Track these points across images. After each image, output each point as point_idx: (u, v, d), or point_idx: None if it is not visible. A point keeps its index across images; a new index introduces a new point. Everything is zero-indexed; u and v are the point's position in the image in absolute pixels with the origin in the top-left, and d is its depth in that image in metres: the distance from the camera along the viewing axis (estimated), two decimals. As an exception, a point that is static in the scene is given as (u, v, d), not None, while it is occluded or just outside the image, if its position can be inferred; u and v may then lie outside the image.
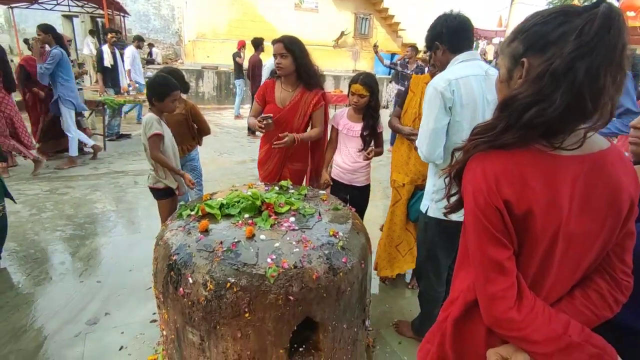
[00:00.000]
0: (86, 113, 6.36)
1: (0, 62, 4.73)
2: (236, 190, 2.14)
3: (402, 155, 2.65)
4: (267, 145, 2.80)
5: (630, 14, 8.80)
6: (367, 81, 2.60)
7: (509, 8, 14.84)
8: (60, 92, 5.02)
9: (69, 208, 4.10)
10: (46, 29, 4.87)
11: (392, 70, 7.60)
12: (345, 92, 9.09)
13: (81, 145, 5.61)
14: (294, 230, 1.77)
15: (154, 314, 2.49)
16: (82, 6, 13.05)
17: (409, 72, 6.86)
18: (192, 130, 3.32)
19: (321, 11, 13.89)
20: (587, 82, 0.78)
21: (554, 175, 0.85)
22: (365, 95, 2.61)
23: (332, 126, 2.85)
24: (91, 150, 5.80)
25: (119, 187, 4.80)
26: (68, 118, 5.18)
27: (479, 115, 1.82)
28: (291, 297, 1.47)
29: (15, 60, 8.58)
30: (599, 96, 0.80)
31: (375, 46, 7.88)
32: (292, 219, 1.87)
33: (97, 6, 12.19)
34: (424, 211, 2.08)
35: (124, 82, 7.52)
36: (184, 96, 3.35)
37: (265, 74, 7.42)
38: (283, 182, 2.35)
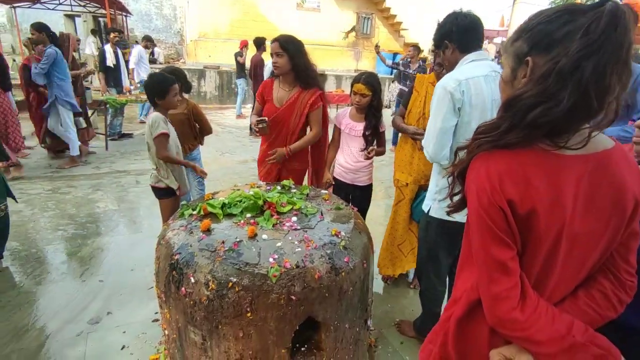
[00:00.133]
0: (88, 112, 6.36)
1: None
2: (238, 189, 2.14)
3: (406, 155, 2.64)
4: (266, 144, 2.82)
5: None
6: (370, 80, 2.59)
7: (512, 7, 14.82)
8: (57, 93, 4.96)
9: (70, 207, 4.11)
10: (40, 28, 4.83)
11: (395, 70, 7.59)
12: (347, 91, 9.07)
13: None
14: (296, 229, 1.77)
15: (156, 313, 2.49)
16: (84, 6, 13.07)
17: (411, 71, 6.86)
18: (194, 130, 3.33)
19: (323, 11, 13.89)
20: (594, 81, 0.77)
21: (558, 175, 0.84)
22: (368, 95, 2.60)
23: (335, 126, 2.85)
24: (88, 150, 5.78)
25: (121, 187, 4.81)
26: (66, 118, 5.14)
27: (488, 116, 1.78)
28: (293, 297, 1.47)
29: (17, 60, 8.61)
30: (605, 95, 0.79)
31: (377, 46, 7.87)
32: (294, 218, 1.87)
33: (99, 6, 12.20)
34: (426, 210, 2.07)
35: (126, 81, 7.53)
36: (186, 96, 3.36)
37: (267, 74, 7.43)
38: (285, 182, 2.35)
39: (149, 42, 8.48)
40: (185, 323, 1.59)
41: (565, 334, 0.85)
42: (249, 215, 1.88)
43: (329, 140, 2.96)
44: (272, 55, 2.59)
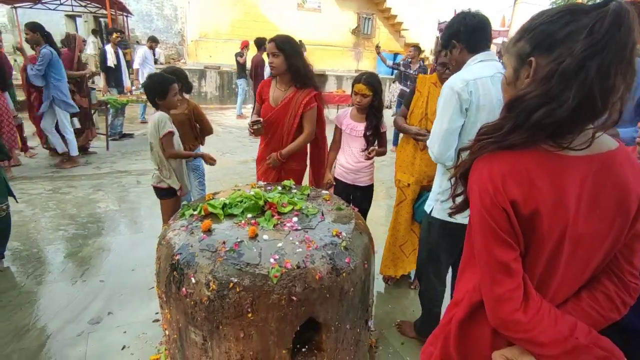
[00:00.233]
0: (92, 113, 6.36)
1: None
2: (239, 190, 2.14)
3: (408, 156, 2.63)
4: (263, 143, 2.85)
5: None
6: (370, 81, 2.59)
7: (512, 7, 14.82)
8: (54, 93, 4.93)
9: (71, 207, 4.11)
10: (34, 28, 4.80)
11: (396, 71, 7.59)
12: (348, 92, 9.03)
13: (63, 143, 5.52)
14: (296, 230, 1.77)
15: (157, 313, 2.48)
16: (85, 6, 13.09)
17: (411, 72, 6.86)
18: (195, 130, 3.32)
19: (324, 11, 13.88)
20: (598, 81, 0.77)
21: (562, 176, 0.84)
22: (369, 95, 2.60)
23: (336, 126, 2.85)
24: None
25: (122, 187, 4.81)
26: (63, 119, 5.12)
27: (496, 118, 1.77)
28: (294, 298, 1.47)
29: (19, 60, 8.60)
30: (609, 95, 0.79)
31: (377, 47, 7.87)
32: (295, 219, 1.87)
33: (100, 6, 12.22)
34: (428, 211, 2.06)
35: (127, 82, 7.53)
36: (186, 96, 3.36)
37: (267, 74, 7.43)
38: (286, 182, 2.34)
39: (153, 42, 8.47)
40: (186, 323, 1.59)
41: (568, 336, 0.84)
42: (249, 215, 1.87)
43: (328, 141, 2.96)
44: (268, 55, 2.61)
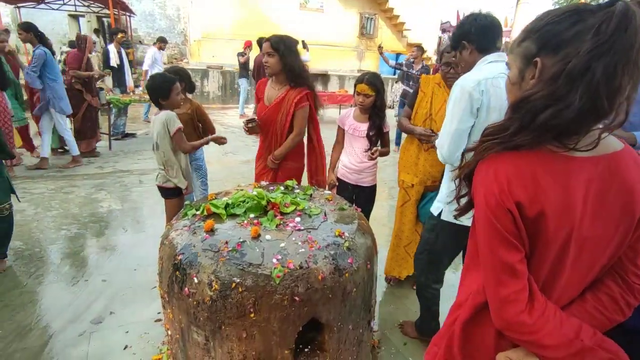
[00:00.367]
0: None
1: None
2: (241, 189, 2.14)
3: (411, 156, 2.62)
4: (260, 141, 2.92)
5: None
6: (373, 81, 2.59)
7: (515, 8, 14.77)
8: (49, 94, 4.90)
9: (74, 207, 4.11)
10: (28, 28, 4.77)
11: (398, 71, 7.59)
12: (350, 92, 9.02)
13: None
14: (299, 230, 1.76)
15: (159, 313, 2.48)
16: (88, 6, 13.13)
17: (414, 72, 6.85)
18: (198, 130, 3.33)
19: (326, 11, 13.88)
20: (604, 82, 0.76)
21: (568, 177, 0.83)
22: (371, 95, 2.59)
23: (338, 126, 2.85)
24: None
25: (124, 186, 4.81)
26: (59, 120, 5.09)
27: None
28: (297, 298, 1.46)
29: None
30: (616, 96, 0.78)
31: (380, 47, 7.87)
32: (298, 219, 1.86)
33: (103, 6, 12.25)
34: (435, 214, 2.01)
35: (130, 81, 7.54)
36: (189, 96, 3.36)
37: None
38: (288, 182, 2.34)
39: (162, 43, 8.47)
40: (188, 323, 1.59)
41: (574, 338, 0.84)
42: (252, 215, 1.87)
43: (322, 140, 2.97)
44: (263, 55, 2.63)
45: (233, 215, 1.88)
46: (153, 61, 7.93)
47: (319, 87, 12.60)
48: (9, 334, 2.31)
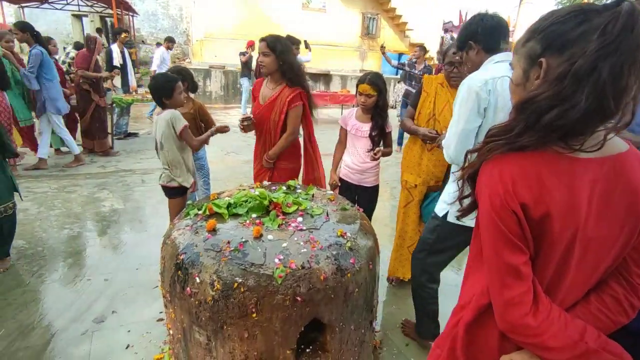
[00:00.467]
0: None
1: None
2: (244, 189, 2.14)
3: (415, 156, 2.62)
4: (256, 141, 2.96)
5: None
6: (375, 81, 2.58)
7: (518, 8, 14.75)
8: (45, 94, 4.88)
9: (76, 206, 4.12)
10: (24, 27, 4.76)
11: (401, 71, 7.58)
12: (353, 92, 9.00)
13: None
14: (301, 230, 1.76)
15: (161, 312, 2.49)
16: (91, 6, 13.17)
17: (417, 72, 6.85)
18: (200, 130, 3.33)
19: (329, 11, 13.89)
20: (611, 82, 0.76)
21: (573, 178, 0.83)
22: (373, 95, 2.59)
23: (341, 127, 2.84)
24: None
25: (127, 186, 4.82)
26: (54, 120, 5.07)
27: None
28: (299, 298, 1.46)
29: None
30: (622, 96, 0.78)
31: (382, 47, 7.86)
32: (300, 219, 1.86)
33: (106, 6, 12.29)
34: (441, 215, 1.98)
35: (132, 81, 7.55)
36: (192, 95, 3.36)
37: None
38: (290, 182, 2.34)
39: (170, 42, 8.47)
40: (190, 323, 1.59)
41: (578, 340, 0.83)
42: (254, 215, 1.87)
43: (316, 139, 2.97)
44: (259, 54, 2.66)
45: (235, 215, 1.88)
46: (161, 61, 7.94)
47: (321, 87, 12.63)
48: (11, 332, 2.31)
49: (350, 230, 1.78)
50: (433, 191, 2.59)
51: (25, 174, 4.93)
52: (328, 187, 2.92)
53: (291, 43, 5.01)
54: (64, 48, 8.26)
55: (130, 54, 7.60)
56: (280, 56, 2.59)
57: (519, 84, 0.94)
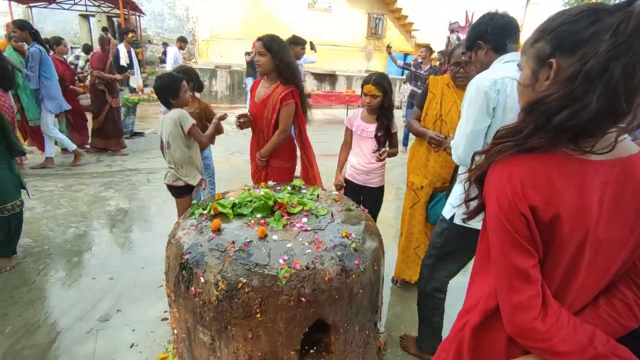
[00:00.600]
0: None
1: None
2: (248, 189, 2.13)
3: (421, 157, 2.60)
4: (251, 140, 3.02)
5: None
6: (380, 81, 2.57)
7: (524, 8, 14.64)
8: (44, 92, 4.89)
9: (82, 205, 4.15)
10: (22, 26, 4.78)
11: (406, 71, 7.56)
12: (358, 92, 8.97)
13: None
14: (306, 231, 1.75)
15: (165, 312, 2.49)
16: (98, 6, 13.25)
17: (422, 72, 6.82)
18: (206, 129, 3.33)
19: (334, 11, 13.89)
20: (623, 82, 0.74)
21: (583, 180, 0.82)
22: (378, 96, 2.58)
23: (346, 127, 2.83)
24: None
25: (132, 185, 4.84)
26: (47, 118, 5.05)
27: None
28: (303, 299, 1.45)
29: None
30: (634, 97, 0.76)
31: (388, 47, 7.83)
32: (305, 219, 1.85)
33: (113, 6, 12.36)
34: (447, 217, 1.94)
35: (139, 80, 7.58)
36: (197, 95, 3.37)
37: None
38: (295, 182, 2.34)
39: (183, 42, 8.51)
40: (194, 323, 1.59)
41: (587, 345, 0.82)
42: (259, 215, 1.87)
43: (308, 138, 2.99)
44: (255, 54, 2.68)
45: (240, 215, 1.87)
46: (175, 61, 7.99)
47: (326, 87, 12.62)
48: (17, 330, 2.33)
49: (355, 231, 1.77)
50: (439, 192, 2.58)
51: (32, 172, 4.98)
52: (333, 187, 2.91)
53: (297, 43, 5.03)
54: (72, 49, 8.32)
55: (136, 54, 7.62)
56: (277, 56, 2.61)
57: (528, 85, 0.92)
